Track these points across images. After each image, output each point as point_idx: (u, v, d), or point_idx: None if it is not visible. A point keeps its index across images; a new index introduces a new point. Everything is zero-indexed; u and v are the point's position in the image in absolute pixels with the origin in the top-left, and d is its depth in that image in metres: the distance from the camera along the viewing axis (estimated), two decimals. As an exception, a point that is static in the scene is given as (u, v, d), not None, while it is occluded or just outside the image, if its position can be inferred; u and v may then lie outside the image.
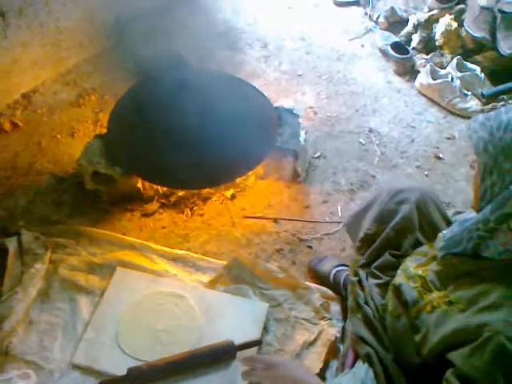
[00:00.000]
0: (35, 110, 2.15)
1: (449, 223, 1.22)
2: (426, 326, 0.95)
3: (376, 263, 1.18)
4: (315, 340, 1.50)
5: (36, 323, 1.49)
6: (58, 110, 2.15)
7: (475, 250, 0.94)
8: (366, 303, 1.12)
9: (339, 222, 1.84)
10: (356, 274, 1.19)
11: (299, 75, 2.48)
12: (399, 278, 1.05)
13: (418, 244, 1.18)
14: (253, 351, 1.45)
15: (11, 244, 1.63)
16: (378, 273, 1.16)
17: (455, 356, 0.88)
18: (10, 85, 2.13)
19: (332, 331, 1.52)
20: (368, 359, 1.04)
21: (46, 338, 1.47)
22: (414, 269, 1.05)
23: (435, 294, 0.97)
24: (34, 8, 2.04)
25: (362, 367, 1.04)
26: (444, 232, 1.04)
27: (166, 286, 1.59)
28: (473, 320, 0.88)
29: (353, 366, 1.11)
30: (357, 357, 1.11)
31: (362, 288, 1.16)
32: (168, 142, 1.81)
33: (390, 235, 1.19)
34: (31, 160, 1.96)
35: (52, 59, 2.24)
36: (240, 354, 1.42)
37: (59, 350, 1.45)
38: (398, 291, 1.03)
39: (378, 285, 1.14)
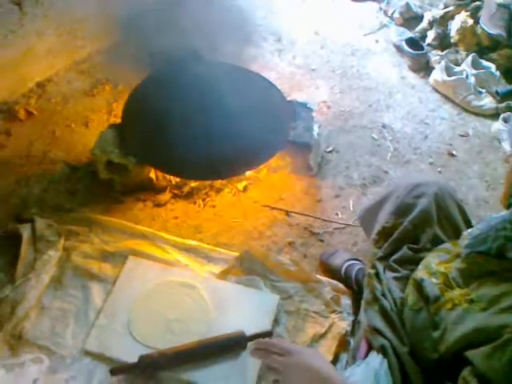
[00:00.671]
0: (49, 99, 2.16)
1: (466, 218, 1.21)
2: (445, 323, 0.95)
3: (394, 257, 1.18)
4: (325, 333, 1.50)
5: (48, 309, 1.51)
6: (72, 100, 2.16)
7: (500, 251, 0.93)
8: (383, 296, 1.12)
9: (347, 225, 1.83)
10: (373, 267, 1.19)
11: (313, 69, 2.48)
12: (421, 273, 1.05)
13: (435, 238, 1.17)
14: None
15: (25, 231, 1.65)
16: (397, 266, 1.16)
17: (474, 355, 0.88)
18: (25, 73, 2.15)
19: (342, 325, 1.52)
20: (383, 351, 1.04)
21: (59, 324, 1.48)
22: (436, 265, 1.04)
23: (457, 292, 0.97)
24: (50, -4, 2.05)
25: (376, 358, 1.04)
26: (469, 230, 1.03)
27: (177, 275, 1.59)
28: (494, 320, 0.87)
29: (365, 358, 1.11)
30: (370, 349, 1.11)
31: (380, 281, 1.15)
32: (181, 133, 1.81)
33: (408, 228, 1.19)
34: (45, 148, 1.97)
35: (67, 48, 2.24)
36: (250, 345, 1.43)
37: (71, 337, 1.46)
38: (419, 286, 1.03)
39: (396, 278, 1.14)
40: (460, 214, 1.21)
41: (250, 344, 1.42)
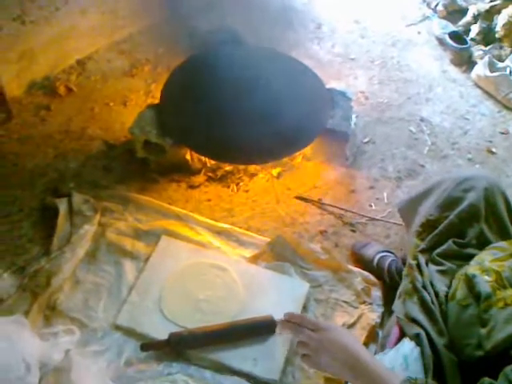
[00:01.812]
0: (89, 77, 2.18)
1: (512, 216, 1.18)
2: (494, 321, 0.94)
3: (438, 250, 1.16)
4: (354, 323, 1.50)
5: (82, 283, 1.54)
6: (111, 78, 2.18)
7: None
8: (424, 288, 1.10)
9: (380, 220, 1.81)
10: (415, 258, 1.17)
11: (352, 59, 2.44)
12: (472, 269, 1.03)
13: (482, 234, 1.15)
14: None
15: (62, 204, 1.68)
16: (441, 259, 1.14)
17: None
18: (67, 50, 2.17)
19: (372, 316, 1.51)
20: (417, 339, 1.03)
21: (91, 297, 1.51)
22: (489, 262, 1.02)
23: (509, 292, 0.95)
24: (95, -26, 2.07)
25: (407, 344, 1.04)
26: None
27: (209, 257, 1.61)
28: None
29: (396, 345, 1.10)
30: (401, 337, 1.10)
31: (421, 272, 1.14)
32: (219, 117, 1.82)
33: (454, 222, 1.16)
34: (84, 125, 2.00)
35: (108, 27, 2.26)
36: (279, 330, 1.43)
37: (103, 310, 1.48)
38: (470, 282, 1.01)
39: (440, 271, 1.12)
40: (506, 212, 1.18)
41: (278, 328, 1.43)
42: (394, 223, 1.80)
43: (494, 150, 2.10)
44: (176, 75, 1.98)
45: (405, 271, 1.18)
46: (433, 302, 1.07)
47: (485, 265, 1.02)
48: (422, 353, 1.01)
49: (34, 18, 1.96)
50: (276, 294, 1.54)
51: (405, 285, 1.15)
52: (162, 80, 2.02)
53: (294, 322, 1.05)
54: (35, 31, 1.99)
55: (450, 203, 1.19)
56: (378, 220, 1.81)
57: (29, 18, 1.95)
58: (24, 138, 1.93)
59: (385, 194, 1.90)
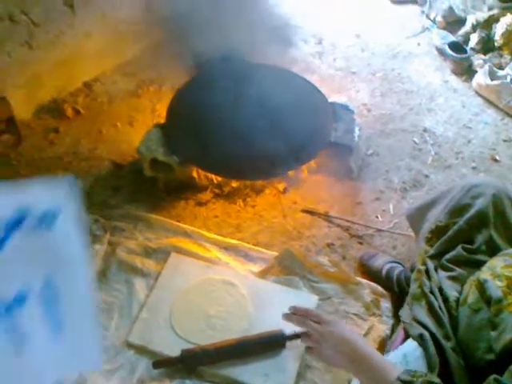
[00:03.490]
0: (96, 99, 2.22)
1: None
2: (504, 324, 0.95)
3: (448, 256, 1.17)
4: (365, 335, 1.50)
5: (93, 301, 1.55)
6: (117, 99, 2.23)
7: None
8: (431, 293, 1.12)
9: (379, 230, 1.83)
10: (424, 263, 1.19)
11: (353, 72, 2.48)
12: (484, 275, 1.05)
13: (491, 240, 1.16)
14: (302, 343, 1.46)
15: (72, 225, 1.70)
16: (451, 265, 1.16)
17: None
18: (73, 73, 2.22)
19: (382, 328, 1.52)
20: (421, 340, 1.05)
21: (103, 316, 1.51)
22: (501, 268, 1.04)
23: None
24: (99, -3, 2.12)
25: (409, 344, 1.06)
26: None
27: (218, 273, 1.62)
28: None
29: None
30: (405, 339, 1.12)
31: (429, 277, 1.15)
32: (224, 134, 1.84)
33: (463, 228, 1.18)
34: (92, 146, 2.04)
35: (113, 50, 2.31)
36: (290, 344, 1.44)
37: (115, 329, 1.50)
38: (482, 287, 1.02)
39: (450, 277, 1.14)
40: None
41: (288, 344, 1.44)
42: (401, 234, 1.81)
43: (497, 157, 2.12)
44: (181, 94, 2.02)
45: (413, 276, 1.20)
46: (440, 307, 1.09)
47: (496, 271, 1.04)
48: (426, 351, 1.03)
49: (40, 43, 2.01)
50: (285, 308, 1.53)
51: (413, 289, 1.17)
52: (167, 99, 2.06)
53: (299, 315, 1.12)
54: (42, 55, 2.05)
55: (458, 210, 1.21)
56: (384, 231, 1.83)
57: (36, 43, 1.99)
58: (33, 161, 1.97)
59: (390, 206, 1.92)
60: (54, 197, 0.74)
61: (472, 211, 1.18)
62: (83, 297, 0.77)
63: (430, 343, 1.04)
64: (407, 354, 1.06)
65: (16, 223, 0.72)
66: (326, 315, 1.13)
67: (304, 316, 1.12)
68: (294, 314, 1.19)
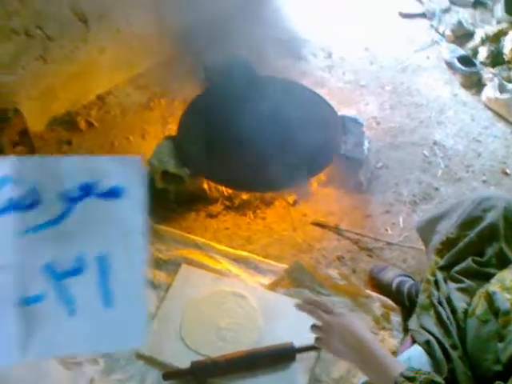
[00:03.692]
0: (109, 111, 2.25)
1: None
2: (511, 335, 0.96)
3: (457, 268, 1.18)
4: (375, 349, 1.50)
5: (105, 313, 1.56)
6: (130, 112, 2.25)
7: None
8: (440, 304, 1.13)
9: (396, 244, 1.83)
10: (433, 275, 1.20)
11: (362, 85, 2.49)
12: (493, 287, 1.05)
13: (501, 253, 1.16)
14: (312, 355, 1.46)
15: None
16: (460, 277, 1.16)
17: None
18: (87, 86, 2.25)
19: (392, 342, 1.51)
20: (427, 346, 1.06)
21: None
22: (510, 281, 1.04)
23: None
24: (113, 14, 2.15)
25: (415, 349, 1.07)
26: None
27: (228, 285, 1.63)
28: None
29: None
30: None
31: (438, 288, 1.16)
32: (234, 146, 1.87)
33: (474, 240, 1.19)
34: (104, 158, 2.06)
35: (126, 63, 2.35)
36: (300, 357, 1.44)
37: (126, 340, 1.51)
38: (490, 298, 1.03)
39: (459, 289, 1.14)
40: None
41: (298, 356, 1.44)
42: (411, 247, 1.81)
43: (508, 171, 2.12)
44: (192, 107, 2.04)
45: (422, 286, 1.21)
46: (448, 318, 1.09)
47: (506, 283, 1.04)
48: (433, 357, 1.04)
49: (55, 57, 2.04)
50: (295, 321, 1.54)
51: (421, 299, 1.18)
52: (178, 112, 2.08)
53: (309, 304, 1.16)
54: (56, 69, 2.08)
55: (469, 222, 1.21)
56: (394, 244, 1.83)
57: (50, 57, 2.03)
58: (47, 173, 1.99)
59: (400, 219, 1.92)
60: (123, 174, 0.78)
61: (483, 224, 1.18)
62: (136, 275, 0.79)
63: (437, 348, 1.05)
64: (411, 358, 1.08)
65: (81, 196, 0.76)
66: (336, 308, 1.15)
67: (316, 306, 1.15)
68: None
